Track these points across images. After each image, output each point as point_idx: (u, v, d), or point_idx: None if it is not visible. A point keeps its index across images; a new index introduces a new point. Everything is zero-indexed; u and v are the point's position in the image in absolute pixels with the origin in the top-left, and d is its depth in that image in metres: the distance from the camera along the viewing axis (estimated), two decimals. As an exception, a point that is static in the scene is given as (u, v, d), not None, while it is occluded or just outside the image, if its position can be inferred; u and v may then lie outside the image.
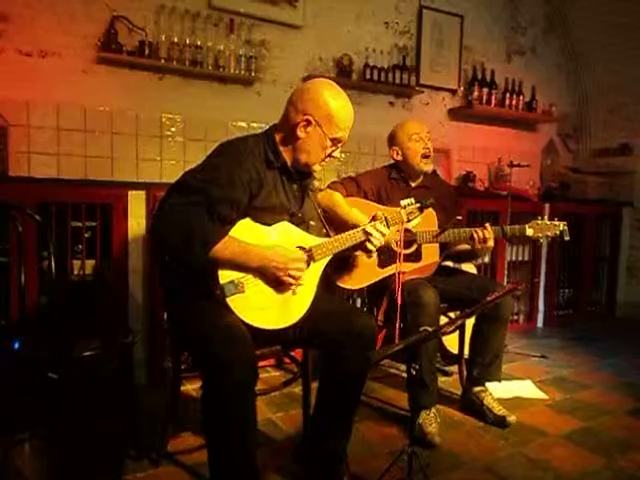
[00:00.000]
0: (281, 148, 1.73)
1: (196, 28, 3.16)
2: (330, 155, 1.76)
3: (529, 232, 2.31)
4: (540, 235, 2.30)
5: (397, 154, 2.48)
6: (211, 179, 1.59)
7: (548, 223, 2.30)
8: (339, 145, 1.75)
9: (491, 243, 2.28)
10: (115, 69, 3.01)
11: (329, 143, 1.71)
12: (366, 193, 2.44)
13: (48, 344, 1.73)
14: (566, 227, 2.30)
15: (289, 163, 1.74)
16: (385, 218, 1.87)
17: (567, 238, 2.30)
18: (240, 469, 1.53)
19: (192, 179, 1.61)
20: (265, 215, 1.68)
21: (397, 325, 2.15)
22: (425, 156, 2.43)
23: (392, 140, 2.50)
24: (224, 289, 1.56)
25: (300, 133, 1.69)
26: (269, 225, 1.68)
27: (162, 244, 1.63)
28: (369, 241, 1.83)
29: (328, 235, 1.86)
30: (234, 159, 1.65)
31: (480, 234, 2.27)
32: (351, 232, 1.81)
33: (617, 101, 4.61)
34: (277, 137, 1.74)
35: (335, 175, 3.49)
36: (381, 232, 1.83)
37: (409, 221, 1.94)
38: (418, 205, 1.94)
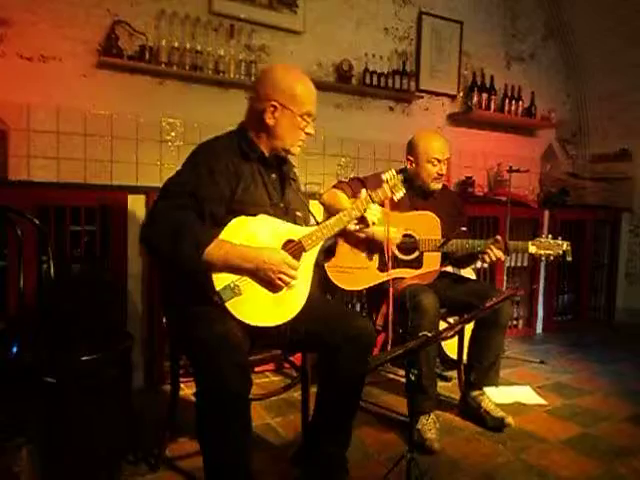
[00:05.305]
0: (256, 140, 1.75)
1: (196, 33, 3.17)
2: (306, 132, 1.76)
3: (532, 249, 2.30)
4: (542, 253, 2.29)
5: (411, 165, 2.45)
6: (192, 179, 1.62)
7: (551, 242, 2.28)
8: (309, 120, 1.75)
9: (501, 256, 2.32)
10: (115, 73, 3.01)
11: (300, 120, 1.73)
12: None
13: (46, 348, 1.73)
14: (569, 247, 2.28)
15: (266, 153, 1.76)
16: (369, 195, 1.83)
17: (569, 259, 2.28)
18: (233, 476, 1.53)
19: (174, 184, 1.64)
20: (247, 210, 1.66)
21: (390, 332, 2.16)
22: (437, 178, 2.43)
23: (411, 150, 2.46)
24: (222, 295, 1.56)
25: (269, 120, 1.71)
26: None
27: (153, 252, 1.65)
28: (362, 219, 1.82)
29: (317, 223, 1.82)
30: (210, 155, 1.69)
31: (495, 253, 2.28)
32: (337, 216, 1.78)
33: (616, 107, 4.62)
34: (250, 131, 1.76)
35: (335, 179, 3.48)
36: (362, 208, 1.81)
37: (393, 194, 1.89)
38: (401, 177, 1.91)
